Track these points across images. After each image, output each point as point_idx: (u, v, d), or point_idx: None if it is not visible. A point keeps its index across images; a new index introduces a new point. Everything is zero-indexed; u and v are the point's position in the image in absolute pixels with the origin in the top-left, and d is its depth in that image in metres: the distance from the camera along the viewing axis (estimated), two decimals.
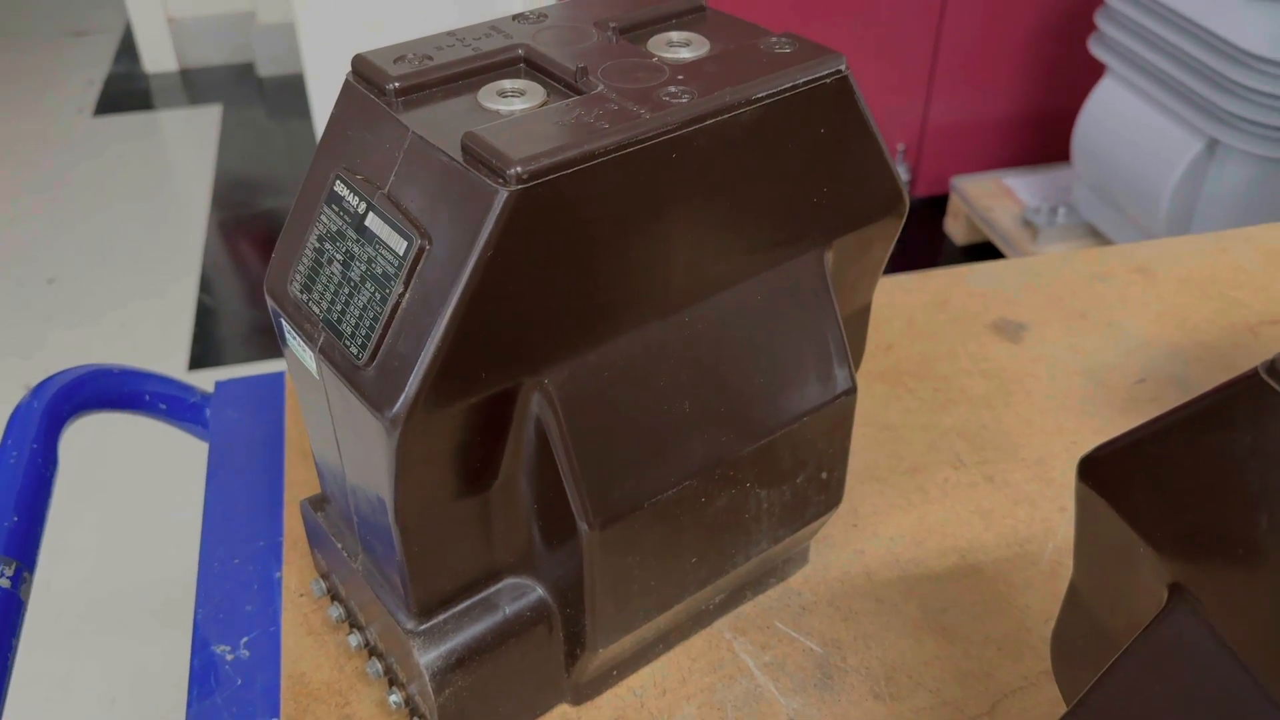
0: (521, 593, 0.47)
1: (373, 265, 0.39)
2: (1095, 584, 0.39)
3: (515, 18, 0.46)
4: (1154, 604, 0.35)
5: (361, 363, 0.39)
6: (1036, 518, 0.60)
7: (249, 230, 2.33)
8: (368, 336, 0.39)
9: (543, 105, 0.41)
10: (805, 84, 0.42)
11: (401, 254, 0.38)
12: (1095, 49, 1.89)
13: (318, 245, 0.42)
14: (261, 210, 2.39)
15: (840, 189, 0.46)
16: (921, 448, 0.64)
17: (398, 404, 0.38)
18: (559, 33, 0.45)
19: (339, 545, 0.49)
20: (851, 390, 0.49)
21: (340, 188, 0.41)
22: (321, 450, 0.47)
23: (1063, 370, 0.70)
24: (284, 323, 0.44)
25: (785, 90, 0.41)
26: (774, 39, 0.44)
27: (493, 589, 0.47)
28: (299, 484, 0.62)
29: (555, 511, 0.44)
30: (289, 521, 0.60)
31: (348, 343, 0.40)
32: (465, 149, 0.37)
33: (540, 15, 0.46)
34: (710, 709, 0.50)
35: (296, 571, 0.57)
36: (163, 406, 0.65)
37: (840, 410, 0.49)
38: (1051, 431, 0.66)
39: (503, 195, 0.36)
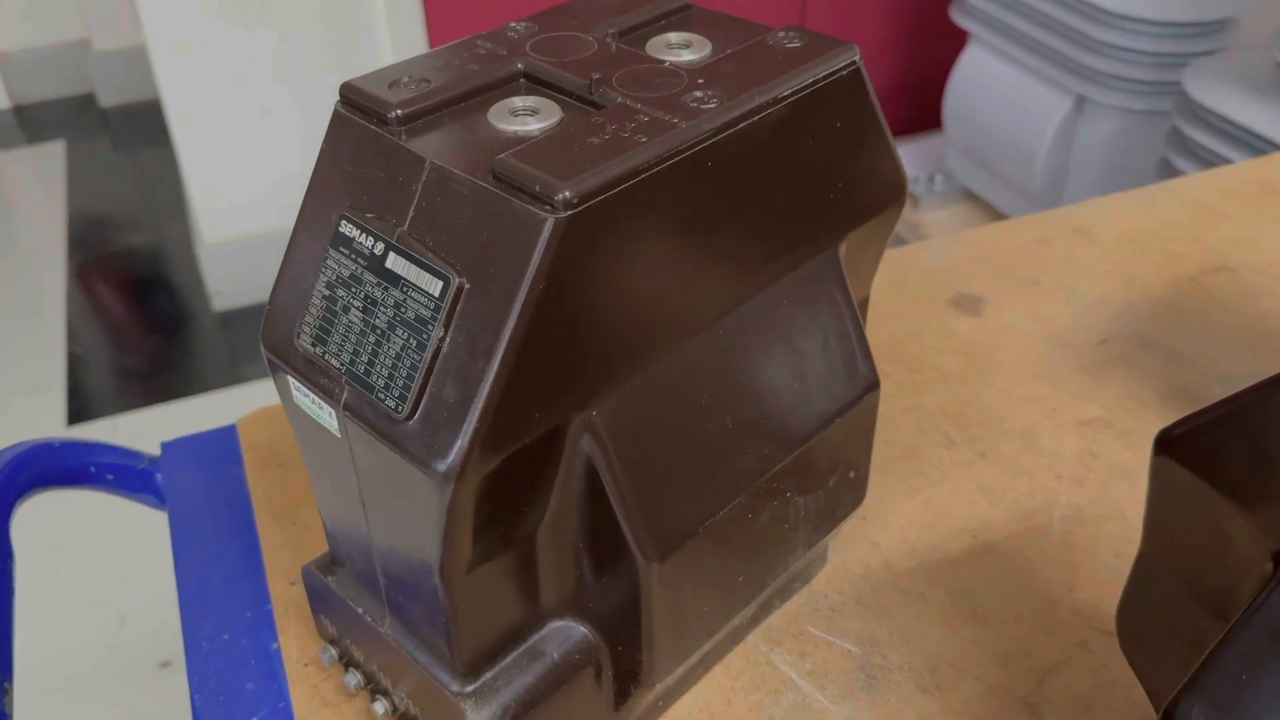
0: (567, 635, 0.45)
1: (402, 310, 0.36)
2: (1173, 557, 0.39)
3: (496, 33, 0.43)
4: (1250, 574, 0.35)
5: (401, 416, 0.36)
6: (1036, 489, 0.60)
7: (113, 270, 2.21)
8: (406, 387, 0.36)
9: (561, 122, 0.38)
10: (825, 78, 0.41)
11: (438, 295, 0.35)
12: (957, 17, 1.94)
13: (328, 293, 0.38)
14: (123, 248, 2.26)
15: (853, 181, 0.45)
16: (910, 431, 0.64)
17: (451, 457, 0.35)
18: (553, 43, 0.42)
19: (359, 609, 0.46)
20: (876, 384, 0.48)
21: (348, 229, 0.38)
22: (336, 511, 0.44)
23: (1027, 339, 0.71)
24: (292, 380, 0.40)
25: (808, 86, 0.40)
26: (781, 34, 0.42)
27: (538, 635, 0.44)
28: (276, 545, 0.58)
29: (601, 546, 0.42)
30: (275, 587, 0.56)
31: (382, 396, 0.36)
32: (499, 176, 0.35)
33: (530, 27, 0.43)
34: None
35: (295, 640, 0.53)
36: (110, 478, 0.60)
37: (867, 406, 0.48)
38: (1030, 401, 0.66)
39: (550, 223, 0.34)
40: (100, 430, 1.78)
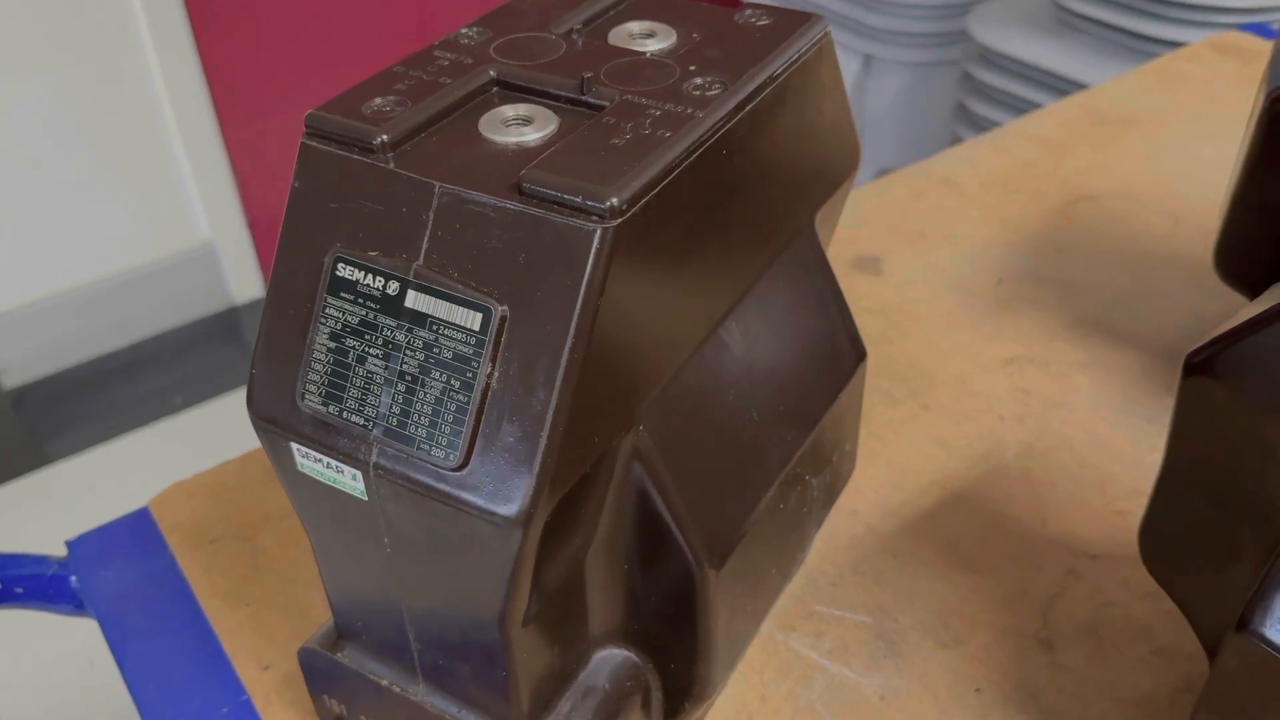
0: (613, 662, 0.42)
1: (435, 350, 0.33)
2: (1202, 474, 0.40)
3: (450, 41, 0.40)
4: None
5: (453, 465, 0.33)
6: (984, 431, 0.62)
7: None
8: (455, 433, 0.33)
9: (562, 127, 0.36)
10: (807, 50, 0.40)
11: (478, 329, 0.32)
12: None
13: (333, 344, 0.35)
14: None
15: (824, 152, 0.44)
16: None
17: (520, 499, 0.32)
18: (517, 46, 0.40)
19: (382, 681, 0.42)
20: (864, 354, 0.48)
21: (349, 271, 0.34)
22: (353, 580, 0.40)
23: (931, 290, 0.73)
24: (296, 447, 0.36)
25: (795, 61, 0.39)
26: (748, 12, 0.41)
27: (587, 669, 0.42)
28: (234, 630, 0.53)
29: (647, 563, 0.40)
30: (246, 674, 0.51)
31: (425, 447, 0.33)
32: (528, 193, 0.32)
33: (483, 32, 0.40)
34: (803, 716, 0.48)
35: None
36: (20, 591, 0.53)
37: (859, 377, 0.48)
38: (951, 350, 0.68)
39: (598, 234, 0.31)
40: None
